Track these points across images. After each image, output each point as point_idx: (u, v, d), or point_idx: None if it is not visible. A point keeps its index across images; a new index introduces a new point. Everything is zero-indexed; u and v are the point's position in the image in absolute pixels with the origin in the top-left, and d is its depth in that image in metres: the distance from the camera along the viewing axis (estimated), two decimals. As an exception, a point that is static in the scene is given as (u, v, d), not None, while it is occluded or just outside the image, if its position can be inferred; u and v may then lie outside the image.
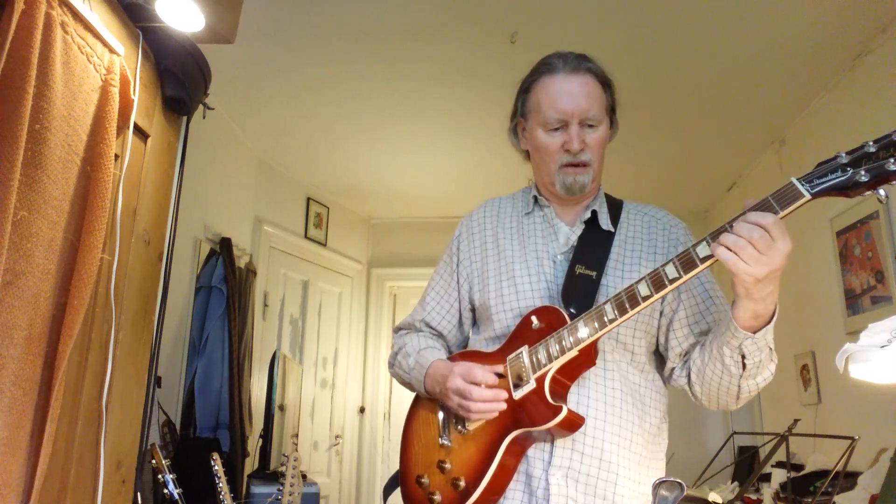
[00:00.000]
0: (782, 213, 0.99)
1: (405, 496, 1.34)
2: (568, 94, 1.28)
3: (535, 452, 1.23)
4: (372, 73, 3.05)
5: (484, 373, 1.21)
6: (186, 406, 3.02)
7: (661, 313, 1.30)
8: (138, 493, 1.63)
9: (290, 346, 4.22)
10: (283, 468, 2.10)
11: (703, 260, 1.05)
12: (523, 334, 1.25)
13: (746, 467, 3.29)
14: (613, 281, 1.28)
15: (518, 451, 1.22)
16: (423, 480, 1.30)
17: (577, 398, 1.23)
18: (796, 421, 2.24)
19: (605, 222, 1.35)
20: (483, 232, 1.44)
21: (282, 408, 3.34)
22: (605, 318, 1.14)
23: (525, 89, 1.37)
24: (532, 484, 1.22)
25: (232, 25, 1.71)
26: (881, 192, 0.95)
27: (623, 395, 1.25)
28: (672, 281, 1.08)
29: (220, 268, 3.27)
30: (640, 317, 1.24)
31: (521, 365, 1.21)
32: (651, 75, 3.00)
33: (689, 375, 1.25)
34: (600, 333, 1.15)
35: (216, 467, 1.96)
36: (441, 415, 1.33)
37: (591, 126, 1.29)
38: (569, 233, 1.36)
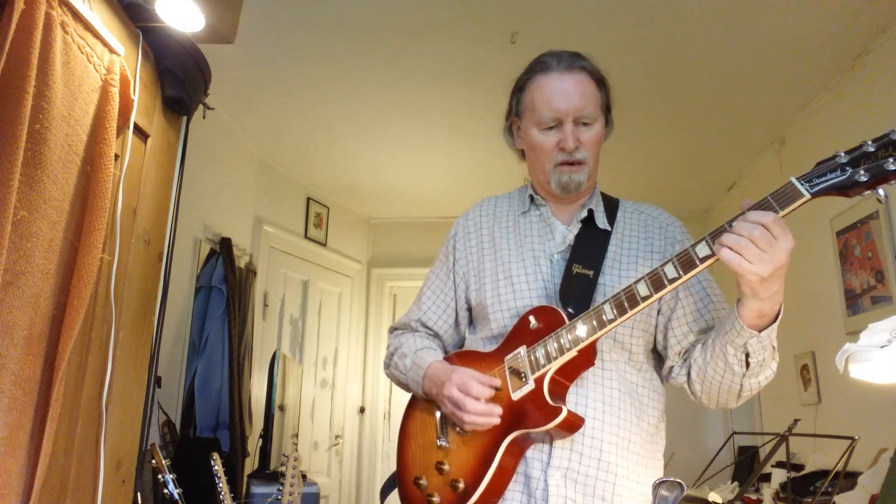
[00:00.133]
0: (782, 213, 0.99)
1: (403, 498, 1.34)
2: (562, 92, 1.27)
3: (534, 453, 1.22)
4: (372, 73, 3.05)
5: (480, 388, 1.20)
6: (186, 406, 3.02)
7: (659, 312, 1.29)
8: (138, 493, 1.63)
9: (290, 346, 4.22)
10: (283, 468, 2.10)
11: (703, 260, 1.05)
12: (521, 334, 1.24)
13: (746, 467, 3.29)
14: (611, 280, 1.28)
15: (517, 451, 1.22)
16: (421, 482, 1.29)
17: (576, 398, 1.23)
18: (796, 421, 2.24)
19: (601, 221, 1.35)
20: (479, 231, 1.43)
21: (282, 408, 3.34)
22: (604, 318, 1.14)
23: (519, 88, 1.36)
24: (531, 485, 1.21)
25: (232, 25, 1.71)
26: (880, 191, 0.95)
27: (621, 394, 1.25)
28: (671, 281, 1.07)
29: (220, 268, 3.27)
30: (637, 316, 1.23)
31: (520, 365, 1.21)
32: (651, 75, 3.00)
33: (688, 374, 1.25)
34: (599, 334, 1.15)
35: (216, 467, 1.96)
36: (439, 416, 1.32)
37: (585, 124, 1.29)
38: (565, 232, 1.36)
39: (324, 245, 4.60)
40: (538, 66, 1.33)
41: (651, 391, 1.29)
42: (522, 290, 1.31)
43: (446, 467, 1.26)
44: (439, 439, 1.30)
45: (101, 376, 1.38)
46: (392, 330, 1.54)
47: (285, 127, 3.65)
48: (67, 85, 1.21)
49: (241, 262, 3.57)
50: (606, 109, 1.35)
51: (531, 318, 1.24)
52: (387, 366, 1.48)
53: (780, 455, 2.37)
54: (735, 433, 3.03)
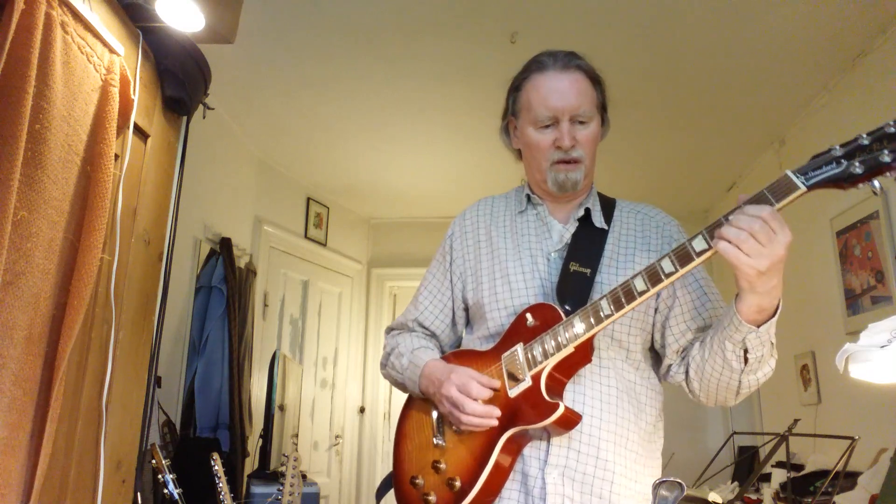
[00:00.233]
0: (778, 206, 0.99)
1: (399, 497, 1.34)
2: (558, 91, 1.28)
3: (531, 451, 1.22)
4: (372, 73, 3.05)
5: (480, 389, 1.21)
6: (186, 406, 3.02)
7: (657, 310, 1.29)
8: (138, 493, 1.63)
9: (290, 346, 4.23)
10: (283, 468, 2.10)
11: (700, 254, 1.05)
12: (518, 332, 1.24)
13: (746, 467, 3.29)
14: (608, 278, 1.28)
15: (514, 449, 1.22)
16: (417, 481, 1.29)
17: (573, 396, 1.23)
18: (796, 421, 2.24)
19: (598, 220, 1.35)
20: (476, 230, 1.43)
21: (282, 408, 3.34)
22: (601, 314, 1.14)
23: (515, 87, 1.37)
24: (528, 483, 1.21)
25: (232, 25, 1.72)
26: (875, 183, 0.95)
27: (619, 392, 1.24)
28: (668, 275, 1.07)
29: (220, 268, 3.27)
30: (634, 314, 1.24)
31: (517, 362, 1.21)
32: (651, 75, 3.01)
33: (686, 371, 1.25)
34: (597, 329, 1.15)
35: (216, 467, 1.96)
36: (435, 415, 1.32)
37: (581, 123, 1.29)
38: (562, 230, 1.36)
39: (324, 245, 4.60)
40: (534, 66, 1.33)
41: (649, 390, 1.29)
42: (519, 288, 1.31)
43: (443, 466, 1.26)
44: (436, 438, 1.30)
45: (101, 376, 1.38)
46: (389, 330, 1.54)
47: (285, 127, 3.66)
48: (67, 85, 1.21)
49: (241, 262, 3.57)
50: (602, 108, 1.35)
51: (528, 315, 1.24)
52: (383, 366, 1.47)
53: (780, 455, 2.37)
54: (735, 433, 3.03)
